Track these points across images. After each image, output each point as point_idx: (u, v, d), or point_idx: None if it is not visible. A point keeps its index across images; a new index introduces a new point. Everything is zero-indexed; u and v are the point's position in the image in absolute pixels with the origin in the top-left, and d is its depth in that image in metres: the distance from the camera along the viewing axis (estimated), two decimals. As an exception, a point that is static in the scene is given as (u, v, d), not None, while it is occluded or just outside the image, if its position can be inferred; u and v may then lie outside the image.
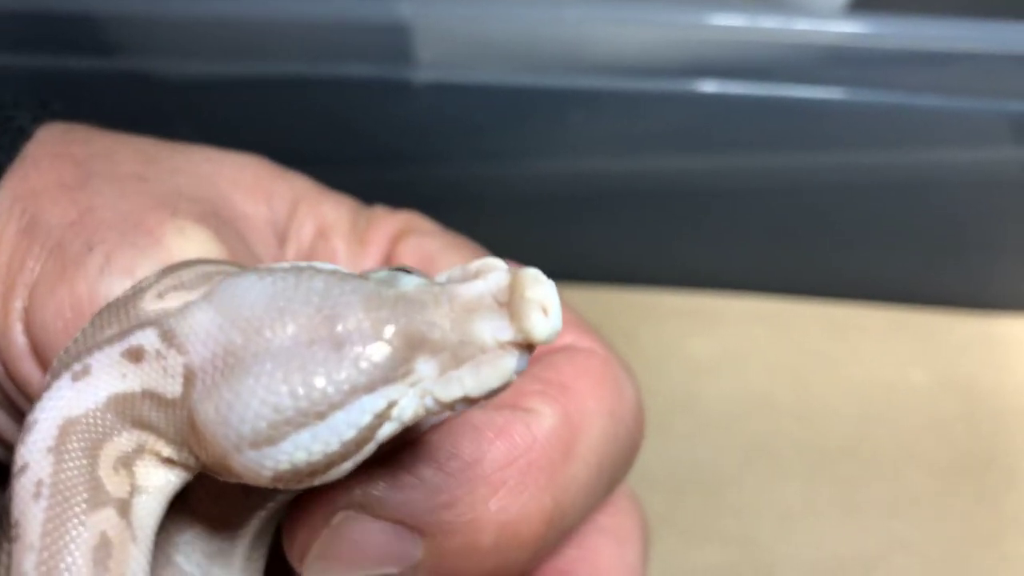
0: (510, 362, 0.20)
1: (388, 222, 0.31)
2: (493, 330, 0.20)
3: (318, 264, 0.22)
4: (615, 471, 0.28)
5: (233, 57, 0.44)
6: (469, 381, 0.20)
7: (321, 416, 0.20)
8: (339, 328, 0.20)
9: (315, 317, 0.21)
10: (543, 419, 0.26)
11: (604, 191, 0.49)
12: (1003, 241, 0.50)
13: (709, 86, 0.44)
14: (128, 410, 0.22)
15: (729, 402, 0.48)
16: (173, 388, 0.22)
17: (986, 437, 0.47)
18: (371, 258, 0.30)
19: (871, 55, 0.43)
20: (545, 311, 0.20)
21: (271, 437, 0.20)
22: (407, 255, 0.30)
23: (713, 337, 0.50)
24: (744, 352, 0.50)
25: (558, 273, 0.52)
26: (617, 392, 0.28)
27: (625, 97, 0.46)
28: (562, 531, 0.27)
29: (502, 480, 0.24)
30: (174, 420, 0.22)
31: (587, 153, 0.48)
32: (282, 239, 0.30)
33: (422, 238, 0.31)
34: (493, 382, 0.20)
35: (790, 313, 0.51)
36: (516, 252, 0.55)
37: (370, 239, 0.30)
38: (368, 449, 0.21)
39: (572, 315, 0.30)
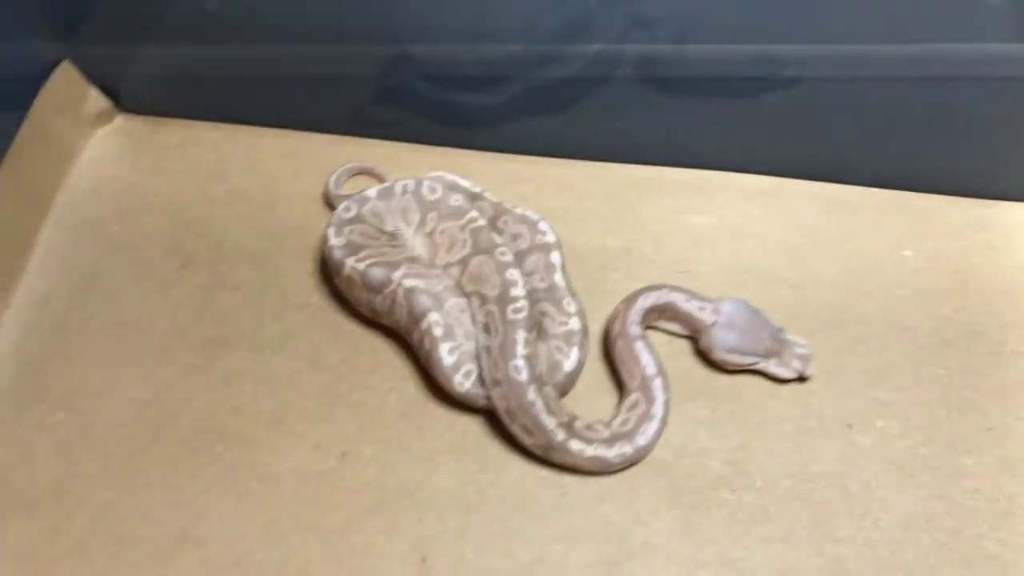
0: None
1: None
2: None
3: None
4: None
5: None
6: None
7: None
8: None
9: None
10: None
11: (612, 75, 0.49)
12: (1003, 131, 0.49)
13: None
14: None
15: (723, 271, 0.48)
16: None
17: (974, 313, 0.47)
18: None
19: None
20: None
21: None
22: None
23: (711, 212, 0.50)
24: (740, 226, 0.50)
25: (564, 150, 0.54)
26: None
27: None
28: None
29: None
30: None
31: (597, 34, 0.49)
32: None
33: None
34: None
35: (787, 191, 0.51)
36: (529, 131, 0.56)
37: None
38: None
39: None
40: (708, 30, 0.48)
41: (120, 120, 0.55)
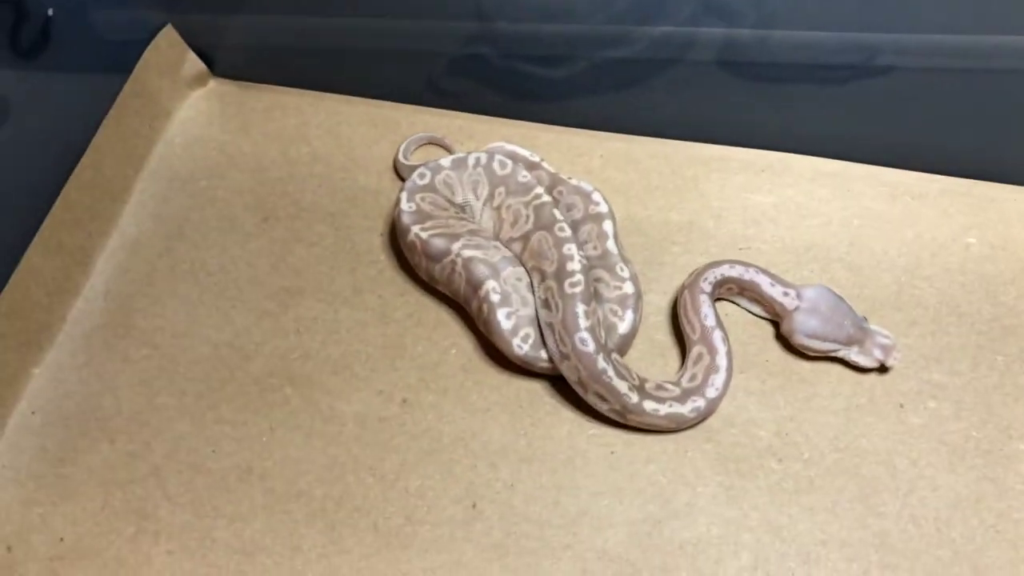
0: None
1: None
2: None
3: None
4: None
5: None
6: None
7: None
8: None
9: None
10: None
11: (682, 57, 0.50)
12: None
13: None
14: None
15: (783, 250, 0.49)
16: None
17: (1035, 302, 0.47)
18: None
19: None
20: None
21: None
22: None
23: (774, 192, 0.51)
24: (802, 207, 0.50)
25: (631, 127, 0.55)
26: None
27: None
28: None
29: None
30: None
31: (667, 16, 0.50)
32: None
33: None
34: None
35: (851, 175, 0.51)
36: (597, 107, 0.58)
37: None
38: None
39: None
40: (780, 16, 0.49)
41: (214, 84, 0.58)
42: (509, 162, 0.48)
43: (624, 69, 0.52)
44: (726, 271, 0.45)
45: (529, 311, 0.45)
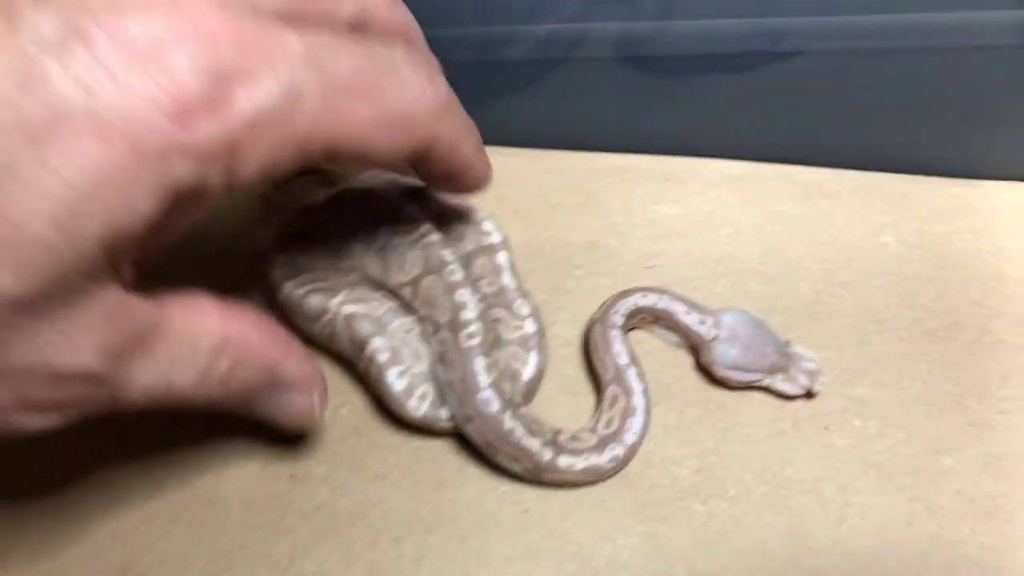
0: None
1: None
2: None
3: None
4: None
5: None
6: None
7: None
8: None
9: None
10: None
11: (572, 55, 0.46)
12: (982, 107, 0.46)
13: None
14: None
15: (693, 264, 0.46)
16: None
17: (955, 302, 0.44)
18: None
19: None
20: None
21: None
22: None
23: (681, 201, 0.47)
24: (711, 216, 0.47)
25: (522, 138, 0.51)
26: None
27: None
28: None
29: None
30: None
31: (553, 13, 0.46)
32: None
33: None
34: None
35: (760, 177, 0.48)
36: (480, 119, 0.53)
37: None
38: None
39: None
40: (677, 5, 0.45)
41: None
42: (393, 194, 0.43)
43: (510, 74, 0.47)
44: (638, 300, 0.42)
45: (424, 366, 0.40)
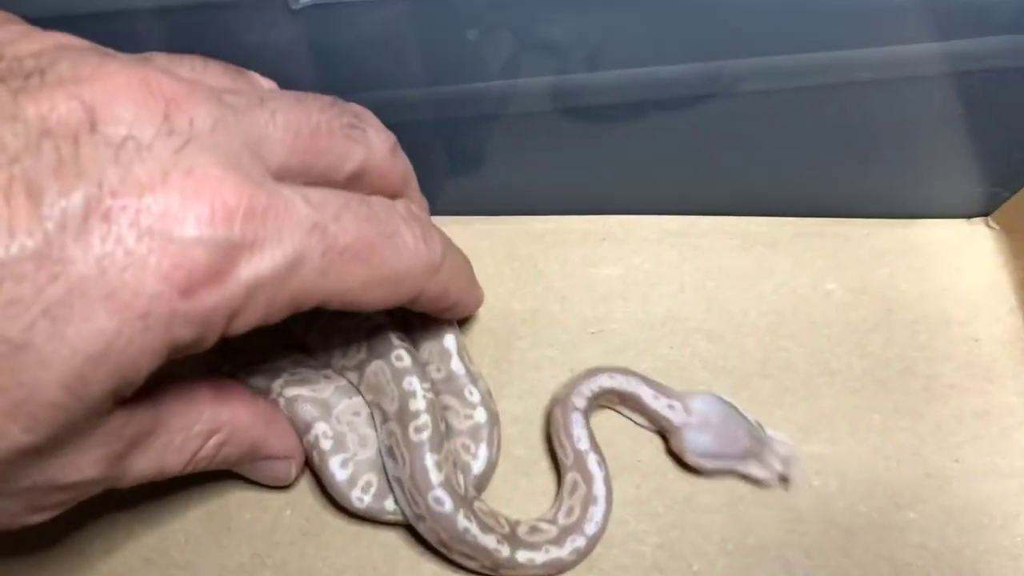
0: None
1: None
2: None
3: None
4: None
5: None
6: None
7: None
8: None
9: None
10: None
11: (492, 112, 0.44)
12: (915, 145, 0.46)
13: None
14: None
15: (638, 326, 0.44)
16: None
17: (904, 346, 0.44)
18: None
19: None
20: None
21: None
22: None
23: (619, 261, 0.46)
24: (651, 274, 0.46)
25: (451, 206, 0.49)
26: None
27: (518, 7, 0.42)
28: None
29: None
30: None
31: (478, 72, 0.44)
32: None
33: None
34: None
35: (697, 230, 0.47)
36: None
37: None
38: None
39: None
40: (603, 54, 0.44)
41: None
42: None
43: (431, 136, 0.46)
44: (604, 382, 0.40)
45: (369, 453, 0.38)
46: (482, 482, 0.39)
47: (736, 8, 0.41)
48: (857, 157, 0.46)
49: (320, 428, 0.38)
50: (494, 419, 0.40)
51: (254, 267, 0.26)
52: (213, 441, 0.33)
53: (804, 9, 0.41)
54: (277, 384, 0.39)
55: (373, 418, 0.39)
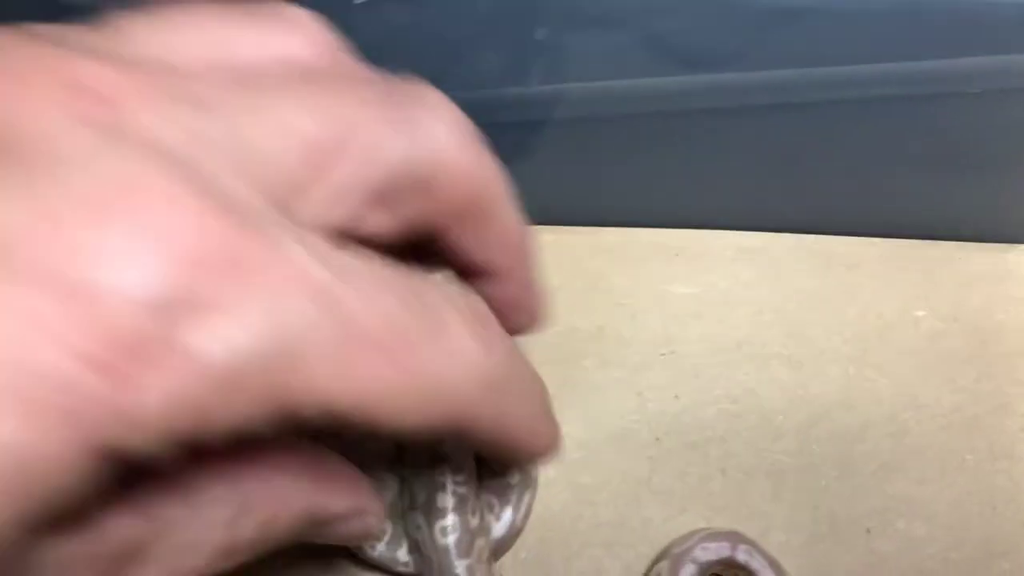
0: None
1: None
2: None
3: None
4: None
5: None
6: None
7: None
8: None
9: None
10: None
11: (562, 116, 0.42)
12: (1017, 161, 0.43)
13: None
14: None
15: (712, 350, 0.41)
16: None
17: (1000, 381, 0.40)
18: None
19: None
20: None
21: None
22: None
23: (693, 279, 0.43)
24: (727, 294, 0.43)
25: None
26: None
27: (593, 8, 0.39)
28: None
29: None
30: None
31: (550, 75, 0.42)
32: None
33: None
34: None
35: (777, 249, 0.44)
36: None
37: None
38: None
39: None
40: (671, 60, 0.41)
41: None
42: None
43: (495, 140, 0.43)
44: (703, 556, 0.35)
45: (388, 497, 0.35)
46: (502, 547, 0.36)
47: (825, 13, 0.39)
48: (951, 173, 0.43)
49: None
50: (527, 482, 0.36)
51: (223, 341, 0.18)
52: (247, 524, 0.24)
53: (903, 14, 0.38)
54: None
55: (393, 467, 0.35)
